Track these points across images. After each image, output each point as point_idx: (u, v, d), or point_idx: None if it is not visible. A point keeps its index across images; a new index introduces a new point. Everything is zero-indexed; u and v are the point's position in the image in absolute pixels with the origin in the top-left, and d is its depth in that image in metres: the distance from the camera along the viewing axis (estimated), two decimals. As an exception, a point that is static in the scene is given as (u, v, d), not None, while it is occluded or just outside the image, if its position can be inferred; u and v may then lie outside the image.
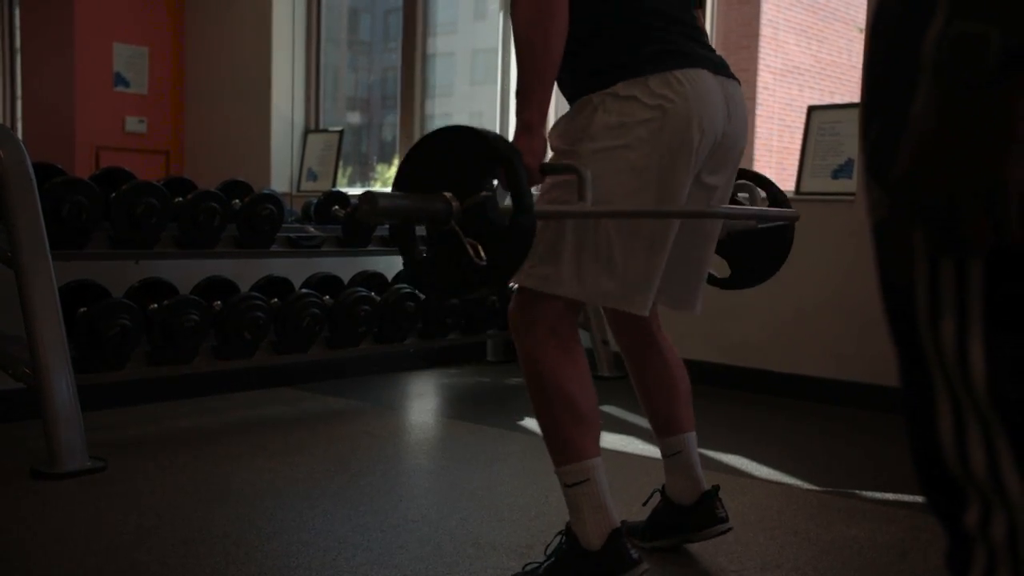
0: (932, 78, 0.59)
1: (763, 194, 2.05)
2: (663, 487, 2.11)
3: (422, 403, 3.93)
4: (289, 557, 2.04)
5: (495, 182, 1.50)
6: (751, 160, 4.45)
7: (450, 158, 1.50)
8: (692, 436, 2.06)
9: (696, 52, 1.75)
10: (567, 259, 1.71)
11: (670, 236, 1.74)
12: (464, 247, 1.45)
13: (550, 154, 1.79)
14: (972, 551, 0.66)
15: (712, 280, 2.10)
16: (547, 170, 1.68)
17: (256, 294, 3.28)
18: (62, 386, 2.64)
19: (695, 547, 2.15)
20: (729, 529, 2.08)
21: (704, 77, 1.72)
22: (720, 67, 1.79)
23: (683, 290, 1.93)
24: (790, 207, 2.03)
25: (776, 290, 3.98)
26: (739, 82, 1.85)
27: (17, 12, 6.74)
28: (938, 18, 0.59)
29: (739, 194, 2.05)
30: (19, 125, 6.71)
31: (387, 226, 3.82)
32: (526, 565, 1.91)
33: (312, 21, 5.91)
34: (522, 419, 3.45)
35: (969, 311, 0.64)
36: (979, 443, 0.64)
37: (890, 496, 2.59)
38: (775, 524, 2.33)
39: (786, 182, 5.84)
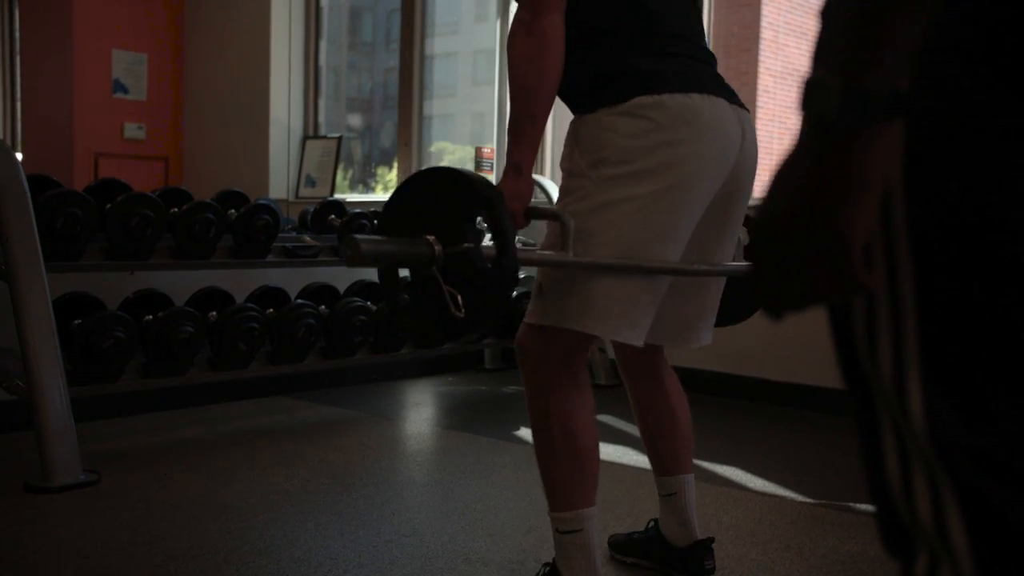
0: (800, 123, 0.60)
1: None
2: (658, 520, 2.09)
3: (418, 412, 3.93)
4: (279, 574, 2.04)
5: (484, 224, 1.48)
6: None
7: (435, 200, 1.50)
8: (690, 479, 2.03)
9: (715, 79, 1.70)
10: (579, 291, 1.65)
11: (662, 278, 1.69)
12: (444, 295, 1.44)
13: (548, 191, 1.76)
14: None
15: None
16: (533, 215, 1.65)
17: (251, 305, 3.28)
18: (56, 399, 2.64)
19: (687, 563, 2.15)
20: None
21: (722, 107, 1.66)
22: (734, 96, 1.72)
23: (682, 328, 1.86)
24: None
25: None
26: (748, 111, 1.78)
27: (16, 18, 6.75)
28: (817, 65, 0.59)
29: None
30: (18, 132, 6.72)
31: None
32: None
33: (311, 28, 5.91)
34: (517, 429, 3.45)
35: (906, 351, 0.63)
36: (925, 491, 0.64)
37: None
38: (768, 538, 2.33)
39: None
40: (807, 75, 0.58)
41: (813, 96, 0.58)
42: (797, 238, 0.59)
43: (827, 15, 0.59)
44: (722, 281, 1.89)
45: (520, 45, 1.60)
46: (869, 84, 0.56)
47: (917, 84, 0.58)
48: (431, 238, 1.46)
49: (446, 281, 1.45)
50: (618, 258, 1.62)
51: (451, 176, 1.51)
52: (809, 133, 0.58)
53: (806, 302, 0.61)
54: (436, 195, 1.50)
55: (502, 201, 1.46)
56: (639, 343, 1.69)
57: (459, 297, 1.43)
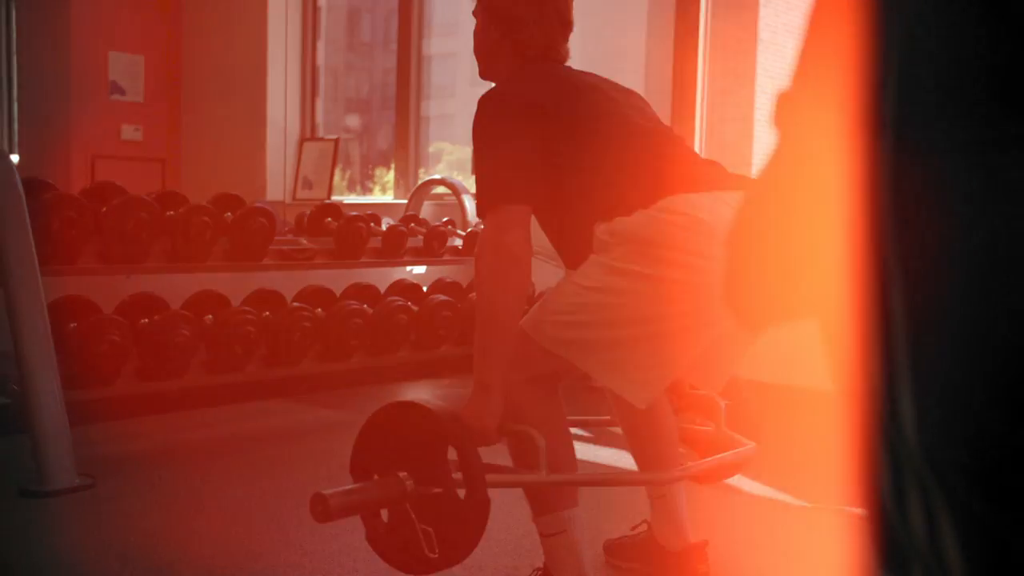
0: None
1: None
2: (650, 522, 2.09)
3: (415, 415, 3.91)
4: (274, 579, 2.04)
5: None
6: (750, 164, 4.43)
7: (407, 433, 1.52)
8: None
9: (732, 177, 1.70)
10: (588, 334, 1.63)
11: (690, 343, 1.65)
12: (417, 532, 1.46)
13: None
14: None
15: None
16: (505, 431, 1.64)
17: (247, 308, 3.27)
18: (51, 403, 2.63)
19: (682, 568, 2.14)
20: None
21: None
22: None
23: (708, 373, 1.84)
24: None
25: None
26: None
27: (13, 19, 6.74)
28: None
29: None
30: (15, 134, 6.72)
31: (379, 238, 3.82)
32: None
33: (308, 28, 5.91)
34: (514, 432, 3.44)
35: (898, 367, 0.62)
36: (918, 507, 0.63)
37: (881, 513, 2.57)
38: (765, 542, 2.32)
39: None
40: (779, 90, 0.58)
41: (784, 111, 0.57)
42: (771, 253, 0.58)
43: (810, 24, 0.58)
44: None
45: (486, 263, 1.61)
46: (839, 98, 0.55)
47: (898, 97, 0.58)
48: (404, 475, 1.47)
49: (420, 517, 1.47)
50: (590, 474, 1.67)
51: (420, 413, 1.53)
52: (781, 148, 0.58)
53: (782, 316, 0.60)
54: (407, 429, 1.52)
55: (470, 443, 1.47)
56: (641, 405, 1.67)
57: (432, 535, 1.46)
